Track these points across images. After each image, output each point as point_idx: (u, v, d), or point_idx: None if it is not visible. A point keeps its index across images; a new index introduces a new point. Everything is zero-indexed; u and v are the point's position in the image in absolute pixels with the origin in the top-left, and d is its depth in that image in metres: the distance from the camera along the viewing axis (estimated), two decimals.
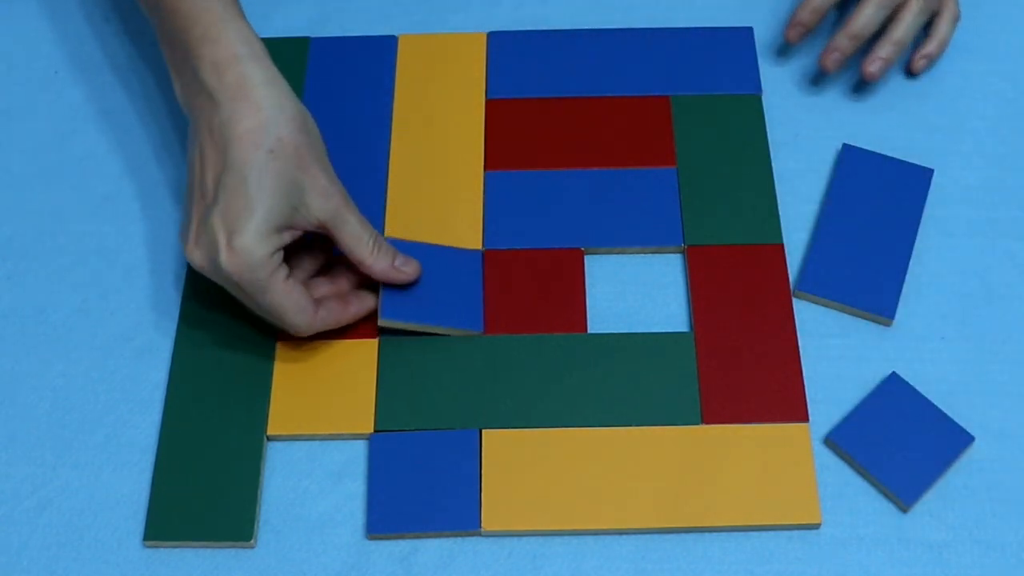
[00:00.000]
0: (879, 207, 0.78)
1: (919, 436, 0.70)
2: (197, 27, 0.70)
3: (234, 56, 0.69)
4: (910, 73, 0.84)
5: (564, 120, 0.82)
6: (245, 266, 0.67)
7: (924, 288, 0.76)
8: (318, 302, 0.71)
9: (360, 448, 0.72)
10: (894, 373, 0.72)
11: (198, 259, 0.69)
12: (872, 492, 0.70)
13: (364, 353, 0.74)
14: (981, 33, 0.86)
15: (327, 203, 0.70)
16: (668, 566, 0.68)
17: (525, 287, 0.76)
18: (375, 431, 0.71)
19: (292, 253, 0.72)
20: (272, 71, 0.70)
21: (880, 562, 0.68)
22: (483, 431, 0.71)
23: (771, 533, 0.68)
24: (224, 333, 0.74)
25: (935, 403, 0.71)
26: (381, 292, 0.74)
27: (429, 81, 0.84)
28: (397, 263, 0.72)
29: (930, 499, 0.69)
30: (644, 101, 0.83)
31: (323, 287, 0.73)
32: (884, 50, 0.81)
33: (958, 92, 0.84)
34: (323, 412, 0.72)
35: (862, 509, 0.69)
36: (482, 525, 0.68)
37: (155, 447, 0.71)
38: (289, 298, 0.69)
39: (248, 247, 0.67)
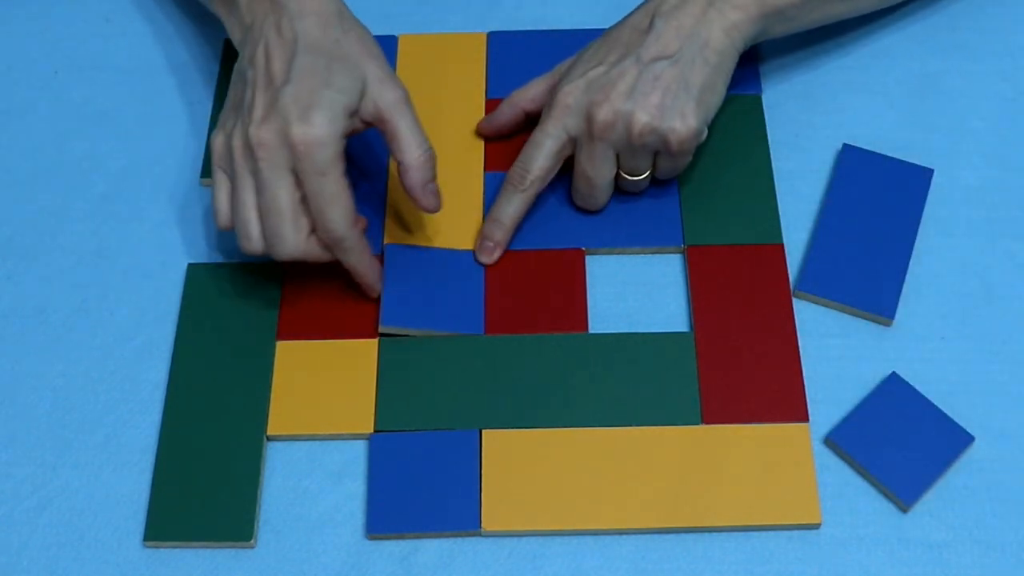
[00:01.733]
0: (879, 207, 0.78)
1: (919, 436, 0.70)
2: None
3: None
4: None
5: None
6: (316, 140, 0.67)
7: (924, 288, 0.76)
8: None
9: (360, 448, 0.72)
10: (894, 373, 0.72)
11: (264, 135, 0.68)
12: (872, 492, 0.70)
13: (364, 353, 0.74)
14: (981, 33, 0.86)
15: (391, 92, 0.71)
16: (668, 566, 0.68)
17: (525, 287, 0.76)
18: (375, 431, 0.71)
19: None
20: None
21: (880, 562, 0.67)
22: (483, 431, 0.71)
23: (771, 533, 0.68)
24: (224, 333, 0.74)
25: (935, 403, 0.71)
26: (382, 298, 0.74)
27: (429, 81, 0.84)
28: (430, 186, 0.72)
29: (930, 499, 0.69)
30: None
31: None
32: (489, 231, 0.76)
33: (958, 92, 0.84)
34: (323, 412, 0.72)
35: (862, 509, 0.69)
36: (482, 525, 0.68)
37: (155, 447, 0.71)
38: (343, 190, 0.69)
39: (323, 122, 0.68)
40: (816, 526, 0.68)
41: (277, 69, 0.70)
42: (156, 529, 0.68)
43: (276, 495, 0.70)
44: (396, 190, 0.80)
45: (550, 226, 0.78)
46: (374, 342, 0.74)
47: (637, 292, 0.76)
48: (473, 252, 0.77)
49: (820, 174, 0.80)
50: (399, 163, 0.72)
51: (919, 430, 0.70)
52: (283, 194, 0.69)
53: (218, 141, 0.71)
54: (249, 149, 0.69)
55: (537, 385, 0.72)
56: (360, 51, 0.71)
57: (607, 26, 0.86)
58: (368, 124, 0.72)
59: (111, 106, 0.85)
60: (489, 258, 0.76)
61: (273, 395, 0.72)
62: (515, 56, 0.85)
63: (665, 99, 0.73)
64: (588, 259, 0.77)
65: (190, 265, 0.77)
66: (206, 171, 0.81)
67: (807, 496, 0.69)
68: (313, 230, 0.70)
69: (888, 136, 0.82)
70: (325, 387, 0.73)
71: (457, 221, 0.78)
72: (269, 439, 0.72)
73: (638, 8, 0.77)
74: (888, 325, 0.74)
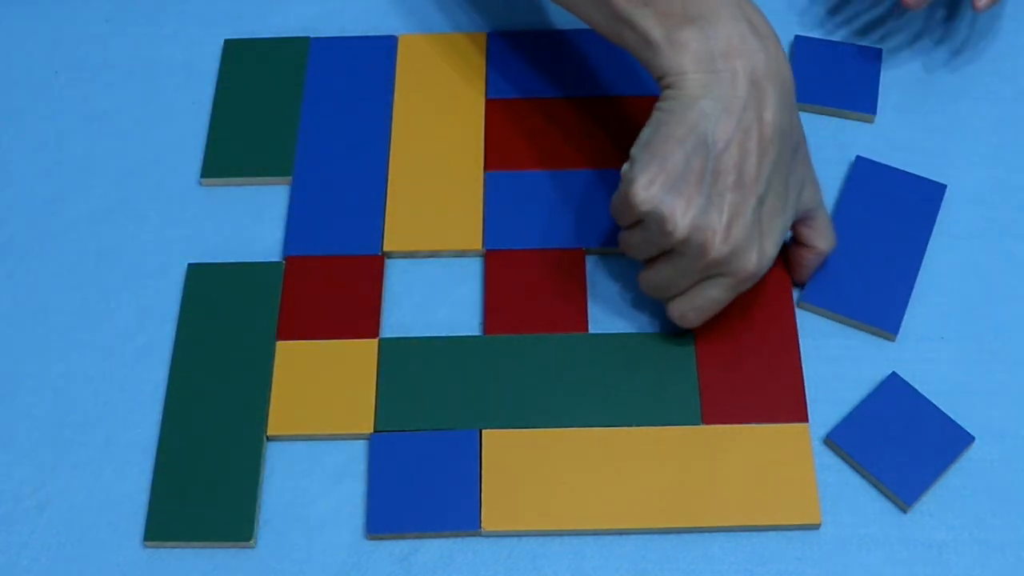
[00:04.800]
0: (889, 221, 0.77)
1: (919, 436, 0.70)
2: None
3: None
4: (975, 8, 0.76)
5: (564, 120, 0.82)
6: (759, 273, 0.67)
7: (924, 288, 0.76)
8: None
9: (360, 448, 0.72)
10: (894, 373, 0.72)
11: (724, 249, 0.65)
12: (872, 492, 0.70)
13: (364, 353, 0.74)
14: (983, 34, 0.86)
15: (815, 190, 0.70)
16: (668, 566, 0.68)
17: (525, 287, 0.76)
18: (375, 431, 0.71)
19: None
20: None
21: (880, 562, 0.67)
22: (483, 431, 0.71)
23: (771, 533, 0.68)
24: (224, 333, 0.74)
25: (935, 403, 0.71)
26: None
27: (429, 81, 0.84)
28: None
29: (930, 499, 0.69)
30: (644, 101, 0.83)
31: None
32: None
33: (958, 92, 0.84)
34: (323, 412, 0.72)
35: (862, 509, 0.69)
36: (482, 525, 0.68)
37: (155, 447, 0.71)
38: None
39: (773, 254, 0.67)
40: (816, 526, 0.68)
41: (751, 172, 0.65)
42: (156, 529, 0.68)
43: (276, 495, 0.70)
44: (396, 191, 0.80)
45: (550, 226, 0.78)
46: (374, 342, 0.74)
47: (637, 292, 0.76)
48: None
49: (820, 174, 0.80)
50: (812, 247, 0.72)
51: (919, 430, 0.70)
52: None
53: (678, 211, 0.65)
54: (700, 250, 0.66)
55: (537, 385, 0.72)
56: (804, 160, 0.69)
57: None
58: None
59: (111, 106, 0.85)
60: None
61: (273, 395, 0.72)
62: (515, 56, 0.85)
63: None
64: (588, 259, 0.77)
65: (190, 265, 0.77)
66: (206, 171, 0.81)
67: (807, 496, 0.68)
68: None
69: (888, 136, 0.82)
70: (325, 387, 0.73)
71: (457, 221, 0.78)
72: (269, 439, 0.72)
73: None
74: (892, 340, 0.74)
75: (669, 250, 0.68)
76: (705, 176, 0.64)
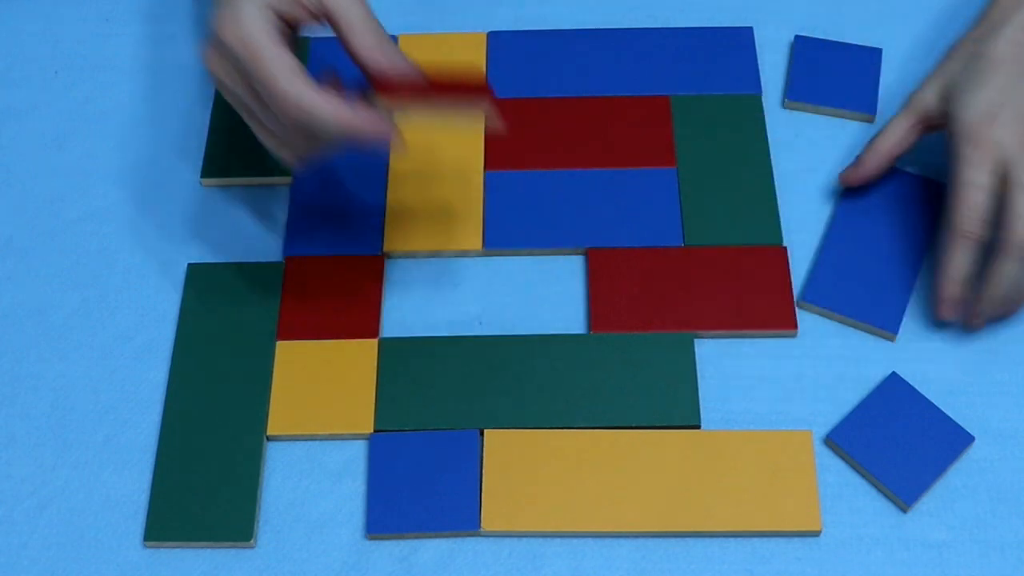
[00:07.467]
0: (890, 221, 0.77)
1: (919, 436, 0.70)
2: None
3: None
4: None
5: (564, 120, 0.82)
6: (238, 34, 0.66)
7: (925, 288, 0.76)
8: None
9: (360, 448, 0.72)
10: (894, 373, 0.72)
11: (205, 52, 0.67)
12: (872, 492, 0.70)
13: (364, 353, 0.74)
14: None
15: None
16: (668, 566, 0.68)
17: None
18: (375, 431, 0.71)
19: None
20: None
21: (880, 562, 0.67)
22: (484, 431, 0.71)
23: (771, 534, 0.68)
24: (224, 333, 0.74)
25: (935, 403, 0.71)
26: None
27: None
28: (398, 61, 0.70)
29: (930, 499, 0.69)
30: (644, 101, 0.83)
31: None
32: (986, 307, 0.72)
33: None
34: (323, 412, 0.72)
35: (862, 509, 0.69)
36: (482, 525, 0.68)
37: (155, 447, 0.71)
38: (281, 60, 0.66)
39: (243, 17, 0.66)
40: (816, 533, 0.68)
41: None
42: (156, 529, 0.68)
43: (276, 495, 0.70)
44: (396, 192, 0.80)
45: (550, 226, 0.78)
46: (374, 342, 0.74)
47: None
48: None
49: (820, 174, 0.80)
50: (354, 52, 0.69)
51: (919, 430, 0.70)
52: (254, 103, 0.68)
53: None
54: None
55: (537, 385, 0.72)
56: None
57: (607, 26, 0.86)
58: (315, 17, 0.68)
59: (111, 106, 0.85)
60: (952, 315, 0.72)
61: (273, 395, 0.72)
62: (515, 56, 0.85)
63: None
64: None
65: (190, 265, 0.77)
66: (206, 171, 0.81)
67: (808, 503, 0.68)
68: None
69: None
70: (325, 387, 0.73)
71: (457, 221, 0.78)
72: (269, 439, 0.72)
73: (1007, 19, 0.74)
74: (892, 340, 0.74)
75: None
76: None
